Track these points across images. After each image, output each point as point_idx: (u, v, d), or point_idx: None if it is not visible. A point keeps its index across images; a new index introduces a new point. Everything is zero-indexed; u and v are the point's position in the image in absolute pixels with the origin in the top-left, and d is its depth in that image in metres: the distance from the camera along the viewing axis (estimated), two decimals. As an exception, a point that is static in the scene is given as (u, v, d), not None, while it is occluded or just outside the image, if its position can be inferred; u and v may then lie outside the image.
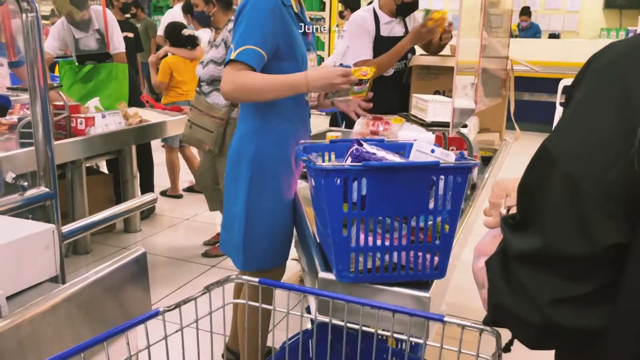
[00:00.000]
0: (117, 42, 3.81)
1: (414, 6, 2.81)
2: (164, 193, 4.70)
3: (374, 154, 1.24)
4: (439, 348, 0.90)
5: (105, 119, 3.09)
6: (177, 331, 0.85)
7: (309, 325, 1.37)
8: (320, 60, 4.41)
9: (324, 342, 1.18)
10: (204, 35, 4.27)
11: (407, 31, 2.85)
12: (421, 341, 0.94)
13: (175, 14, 6.84)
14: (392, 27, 2.83)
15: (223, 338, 0.98)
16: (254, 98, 1.73)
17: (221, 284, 0.94)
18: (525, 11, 8.46)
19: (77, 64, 3.67)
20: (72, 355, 0.66)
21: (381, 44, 2.80)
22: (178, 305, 0.83)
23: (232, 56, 1.64)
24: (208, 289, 0.91)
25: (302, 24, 1.84)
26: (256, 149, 1.81)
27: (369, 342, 1.05)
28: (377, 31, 2.81)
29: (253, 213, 1.82)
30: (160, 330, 0.86)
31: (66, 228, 1.50)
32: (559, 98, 7.67)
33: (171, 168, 4.59)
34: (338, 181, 1.15)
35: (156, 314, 0.79)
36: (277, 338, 1.29)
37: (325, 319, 1.01)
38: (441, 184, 1.15)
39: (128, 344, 0.75)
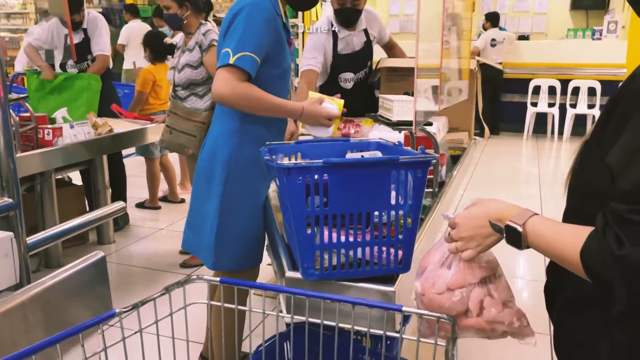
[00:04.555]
0: (103, 45, 3.98)
1: (349, 15, 2.68)
2: (141, 205, 4.64)
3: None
4: (409, 341, 0.91)
5: (74, 129, 3.06)
6: (135, 332, 0.85)
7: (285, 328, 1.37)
8: (295, 68, 4.40)
9: (298, 343, 1.18)
10: (179, 39, 4.27)
11: (368, 41, 2.79)
12: (389, 333, 0.95)
13: (131, 28, 7.07)
14: (349, 41, 2.76)
15: (186, 341, 0.97)
16: (247, 107, 1.75)
17: (182, 285, 0.93)
18: (492, 18, 8.51)
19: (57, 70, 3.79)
20: (24, 356, 0.65)
21: (338, 62, 2.74)
22: (135, 307, 0.82)
23: (231, 61, 1.66)
24: (168, 289, 0.90)
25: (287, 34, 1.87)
26: (232, 150, 1.82)
27: (341, 340, 1.05)
28: (335, 47, 2.73)
29: (226, 213, 1.83)
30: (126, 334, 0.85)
31: (32, 238, 1.48)
32: (530, 98, 7.81)
33: (151, 179, 4.55)
34: (300, 179, 1.15)
35: (112, 315, 0.78)
36: (254, 343, 1.29)
37: (289, 317, 1.01)
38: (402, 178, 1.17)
39: (83, 345, 0.74)
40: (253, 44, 1.68)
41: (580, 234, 0.81)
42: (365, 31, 2.80)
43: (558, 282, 0.95)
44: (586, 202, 0.84)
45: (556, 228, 0.87)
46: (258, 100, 1.73)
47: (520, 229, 0.88)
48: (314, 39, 2.73)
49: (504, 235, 0.92)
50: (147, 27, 6.92)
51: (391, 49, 3.03)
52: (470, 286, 0.99)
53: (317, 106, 1.84)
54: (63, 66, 3.86)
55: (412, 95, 2.75)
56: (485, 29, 8.38)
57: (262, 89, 1.75)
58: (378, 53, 2.97)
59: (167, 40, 4.27)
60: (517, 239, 0.89)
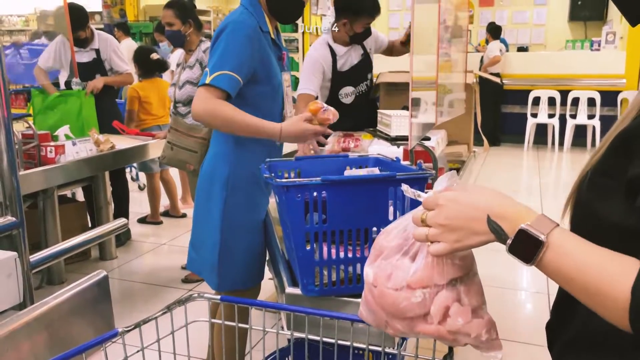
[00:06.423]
0: (126, 64, 4.10)
1: (366, 33, 2.73)
2: (143, 220, 4.66)
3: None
4: (400, 355, 0.92)
5: (76, 147, 3.08)
6: (137, 352, 0.86)
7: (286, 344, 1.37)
8: (295, 80, 4.43)
9: (299, 359, 1.20)
10: (178, 55, 4.30)
11: (365, 53, 2.80)
12: (388, 350, 0.96)
13: (123, 47, 7.16)
14: (348, 57, 2.77)
15: (187, 357, 0.98)
16: (221, 127, 1.76)
17: (183, 303, 0.95)
18: (492, 30, 8.59)
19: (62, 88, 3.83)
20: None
21: (338, 79, 2.75)
22: (137, 325, 0.84)
23: (207, 80, 1.67)
24: (169, 308, 0.92)
25: (278, 49, 1.87)
26: (230, 170, 1.83)
27: (342, 356, 1.06)
28: (334, 67, 2.74)
29: (228, 233, 1.83)
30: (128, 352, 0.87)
31: (35, 257, 1.49)
32: (529, 109, 7.84)
33: (152, 194, 4.57)
34: (299, 196, 1.17)
35: (115, 334, 0.80)
36: (255, 358, 1.30)
37: (289, 334, 1.02)
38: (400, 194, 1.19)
39: (86, 365, 0.75)
40: (232, 62, 1.68)
41: (626, 262, 0.63)
42: (362, 44, 2.82)
43: (561, 323, 0.82)
44: (594, 240, 0.68)
45: (589, 249, 0.67)
46: (231, 119, 1.70)
47: (544, 238, 0.66)
48: (309, 63, 2.73)
49: (510, 241, 0.68)
50: (136, 46, 6.94)
51: (392, 48, 2.95)
52: (436, 287, 0.77)
53: (300, 124, 1.71)
54: (68, 84, 3.87)
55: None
56: (487, 41, 8.44)
57: (253, 107, 1.75)
58: (377, 67, 2.99)
59: (154, 55, 4.31)
60: (532, 251, 0.67)
